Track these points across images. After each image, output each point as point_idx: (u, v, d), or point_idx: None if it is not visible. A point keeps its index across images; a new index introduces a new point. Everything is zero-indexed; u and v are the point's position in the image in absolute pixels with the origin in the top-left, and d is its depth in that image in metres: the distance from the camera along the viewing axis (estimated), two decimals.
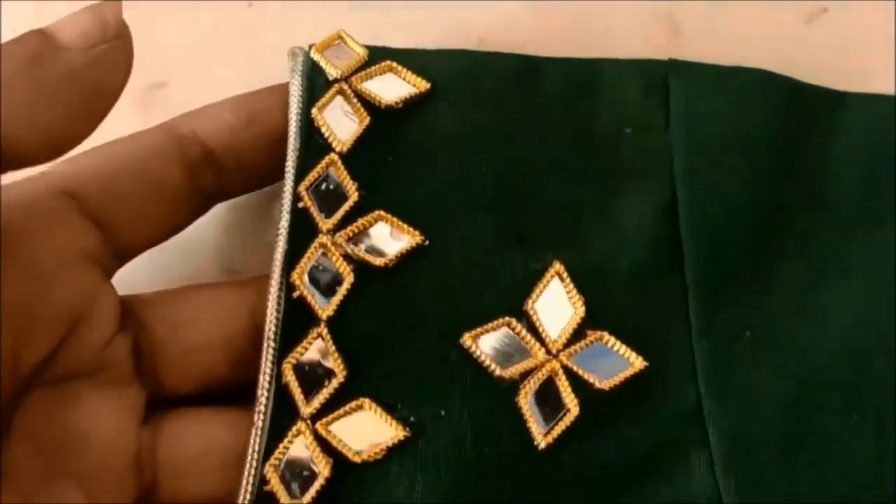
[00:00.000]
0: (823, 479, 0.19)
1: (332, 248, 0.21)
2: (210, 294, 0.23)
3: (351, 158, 0.22)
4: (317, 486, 0.19)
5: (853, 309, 0.21)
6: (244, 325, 0.23)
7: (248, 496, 0.20)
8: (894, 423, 0.19)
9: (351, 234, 0.22)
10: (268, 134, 0.23)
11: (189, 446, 0.22)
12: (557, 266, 0.21)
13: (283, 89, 0.23)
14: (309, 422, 0.20)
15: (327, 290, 0.21)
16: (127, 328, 0.22)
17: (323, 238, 0.22)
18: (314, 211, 0.22)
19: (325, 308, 0.21)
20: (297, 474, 0.20)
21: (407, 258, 0.21)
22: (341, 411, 0.20)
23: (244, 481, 0.20)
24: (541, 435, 0.20)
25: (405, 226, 0.22)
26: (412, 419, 0.20)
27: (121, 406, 0.22)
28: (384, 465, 0.20)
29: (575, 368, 0.20)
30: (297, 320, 0.21)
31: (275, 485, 0.20)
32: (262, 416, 0.20)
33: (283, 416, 0.20)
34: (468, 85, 0.24)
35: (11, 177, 0.21)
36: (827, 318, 0.21)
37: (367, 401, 0.20)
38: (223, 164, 0.23)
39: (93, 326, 0.21)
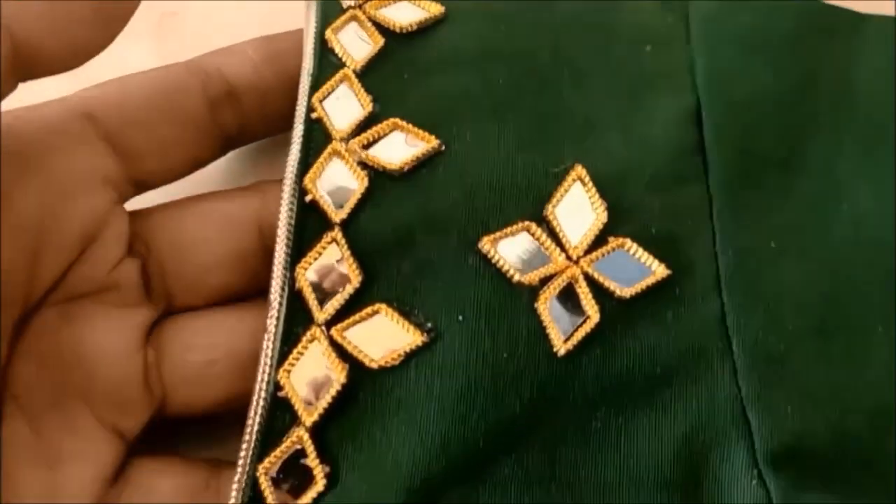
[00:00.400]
0: (854, 379, 0.19)
1: (346, 155, 0.21)
2: (215, 206, 0.23)
3: (365, 75, 0.22)
4: (332, 391, 0.19)
5: (879, 216, 0.20)
6: (251, 237, 0.23)
7: (261, 402, 0.19)
8: None
9: (365, 142, 0.21)
10: (290, 75, 0.23)
11: (196, 356, 0.22)
12: (579, 170, 0.20)
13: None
14: (324, 328, 0.20)
15: (340, 195, 0.21)
16: (135, 250, 0.22)
17: (336, 145, 0.21)
18: (327, 121, 0.21)
19: (338, 212, 0.20)
20: (313, 383, 0.19)
21: (423, 163, 0.21)
22: (357, 317, 0.20)
23: (257, 387, 0.19)
24: (560, 342, 0.19)
25: (421, 132, 0.21)
26: (429, 325, 0.19)
27: (128, 327, 0.22)
28: (400, 371, 0.19)
29: (595, 275, 0.20)
30: (311, 225, 0.20)
31: (289, 390, 0.19)
32: (275, 322, 0.20)
33: (297, 323, 0.20)
34: (481, 8, 0.23)
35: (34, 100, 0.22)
36: (853, 225, 0.20)
37: (383, 306, 0.20)
38: (245, 102, 0.23)
39: (103, 248, 0.21)
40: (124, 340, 0.21)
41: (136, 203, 0.23)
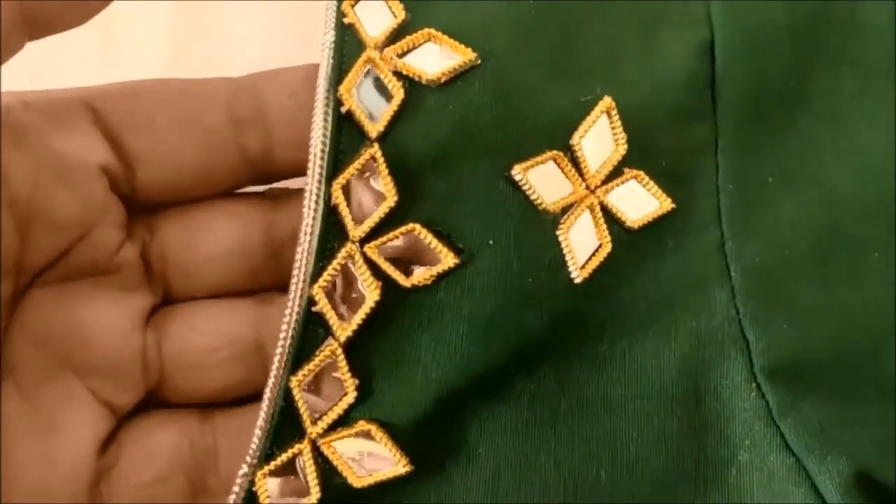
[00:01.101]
0: (850, 300, 0.21)
1: (381, 63, 0.20)
2: (226, 204, 0.23)
3: None
4: (366, 308, 0.19)
5: (877, 150, 0.22)
6: (257, 236, 0.22)
7: (295, 316, 0.19)
8: None
9: (399, 51, 0.20)
10: None
11: (198, 341, 0.22)
12: (608, 101, 0.21)
13: None
14: (358, 244, 0.20)
15: (376, 106, 0.20)
16: (137, 236, 0.22)
17: (371, 52, 0.20)
18: (360, 27, 0.20)
19: (374, 125, 0.20)
20: (346, 297, 0.20)
21: (460, 76, 0.20)
22: (391, 235, 0.20)
23: (291, 302, 0.19)
24: (577, 269, 0.20)
25: (457, 44, 0.20)
26: (461, 246, 0.20)
27: (127, 308, 0.22)
28: (432, 290, 0.20)
29: (609, 205, 0.21)
30: (346, 139, 0.20)
31: (323, 306, 0.19)
32: (309, 237, 0.20)
33: (332, 239, 0.20)
34: None
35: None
36: (851, 158, 0.22)
37: (417, 226, 0.20)
38: (274, 130, 0.22)
39: (103, 233, 0.21)
40: (122, 320, 0.21)
41: None
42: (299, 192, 0.22)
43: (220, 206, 0.23)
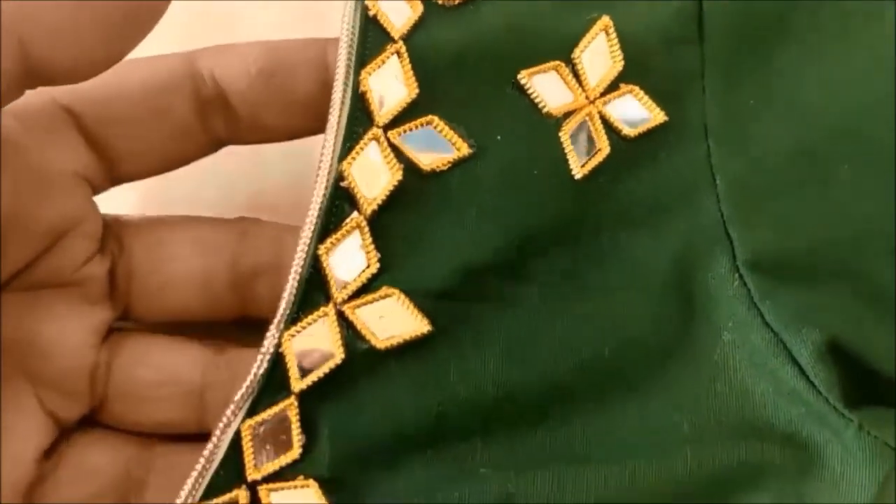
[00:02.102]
0: (826, 207, 0.23)
1: None
2: (194, 229, 0.24)
3: None
4: (389, 186, 0.21)
5: (849, 82, 0.24)
6: (223, 267, 0.23)
7: (324, 191, 0.21)
8: None
9: None
10: (287, 94, 0.23)
11: (145, 373, 0.23)
12: (605, 20, 0.23)
13: (318, 46, 0.23)
14: (382, 130, 0.21)
15: (397, 15, 0.22)
16: (107, 250, 0.23)
17: None
18: None
19: (398, 28, 0.22)
20: (371, 176, 0.21)
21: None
22: (412, 124, 0.22)
23: (321, 176, 0.21)
24: (578, 167, 0.22)
25: None
26: (472, 141, 0.22)
27: (87, 322, 0.22)
28: (446, 177, 0.22)
29: (608, 115, 0.23)
30: (372, 37, 0.22)
31: (351, 182, 0.21)
32: (337, 117, 0.21)
33: (358, 124, 0.21)
34: None
35: None
36: (826, 87, 0.24)
37: (435, 118, 0.22)
38: (236, 112, 0.23)
39: (74, 244, 0.22)
40: (79, 334, 0.22)
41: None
42: (268, 224, 0.24)
43: (191, 233, 0.23)
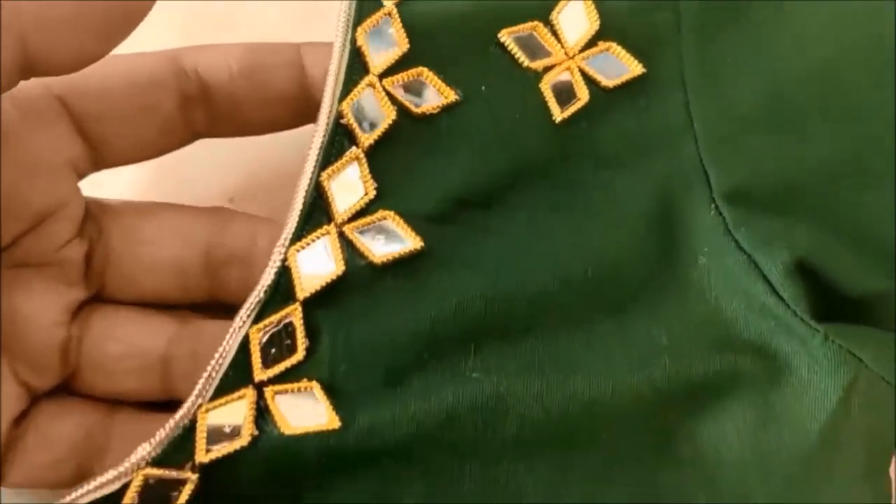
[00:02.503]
0: (795, 147, 0.25)
1: None
2: (172, 216, 0.25)
3: None
4: (384, 126, 0.24)
5: (815, 36, 0.26)
6: (197, 254, 0.25)
7: (325, 127, 0.24)
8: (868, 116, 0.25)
9: None
10: (265, 91, 0.25)
11: (110, 346, 0.24)
12: None
13: (294, 49, 0.25)
14: (377, 78, 0.24)
15: None
16: (86, 233, 0.24)
17: None
18: None
19: None
20: (367, 118, 0.24)
21: None
22: (405, 75, 0.24)
23: (324, 113, 0.24)
24: (558, 112, 0.25)
25: None
26: (459, 90, 0.24)
27: (62, 301, 0.24)
28: (436, 120, 0.24)
29: (587, 69, 0.25)
30: (368, 4, 0.25)
31: (350, 120, 0.24)
32: (337, 65, 0.24)
33: (355, 72, 0.24)
34: None
35: None
36: (794, 41, 0.26)
37: (424, 70, 0.24)
38: (217, 107, 0.25)
39: (57, 226, 0.23)
40: (54, 313, 0.23)
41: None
42: (243, 216, 0.26)
43: (168, 220, 0.25)
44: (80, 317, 0.24)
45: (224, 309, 0.25)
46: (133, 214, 0.25)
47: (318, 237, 0.23)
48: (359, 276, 0.23)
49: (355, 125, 0.24)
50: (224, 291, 0.26)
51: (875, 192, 0.24)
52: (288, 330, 0.23)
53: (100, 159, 0.24)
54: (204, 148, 0.27)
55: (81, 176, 0.24)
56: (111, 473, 0.22)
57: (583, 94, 0.25)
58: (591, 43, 0.26)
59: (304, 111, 0.25)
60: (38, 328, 0.23)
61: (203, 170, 0.30)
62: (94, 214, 0.25)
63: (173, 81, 0.24)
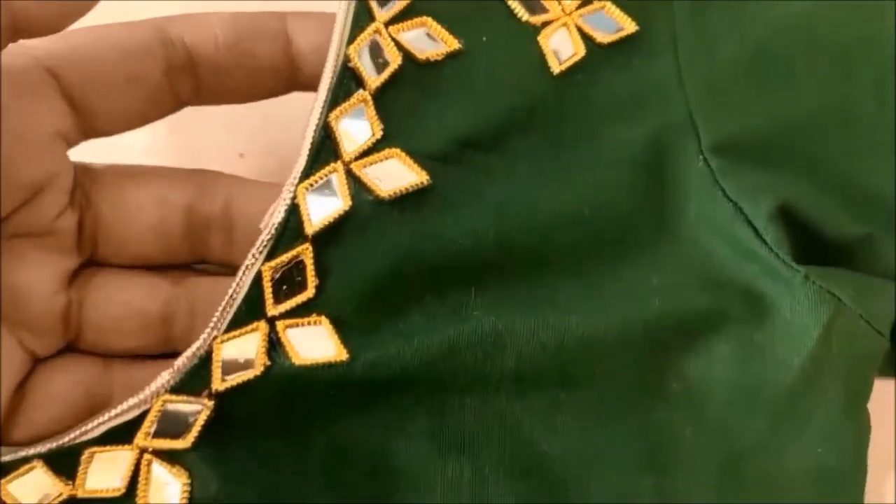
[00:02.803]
0: (782, 97, 0.26)
1: None
2: (155, 181, 0.26)
3: None
4: (390, 70, 0.24)
5: (803, 11, 0.27)
6: (178, 218, 0.25)
7: (332, 68, 0.24)
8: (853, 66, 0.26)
9: None
10: (250, 61, 0.25)
11: (111, 308, 0.25)
12: None
13: (280, 19, 0.25)
14: (383, 25, 0.25)
15: None
16: (76, 201, 0.25)
17: None
18: None
19: None
20: (375, 59, 0.25)
21: None
22: (409, 23, 0.25)
23: (332, 58, 0.24)
24: (556, 65, 0.26)
25: None
26: (461, 40, 0.25)
27: (59, 269, 0.24)
28: (440, 66, 0.25)
29: (583, 26, 0.26)
30: None
31: (357, 64, 0.24)
32: (345, 11, 0.25)
33: (362, 20, 0.25)
34: None
35: None
36: (780, 11, 0.27)
37: (429, 19, 0.25)
38: (203, 77, 0.25)
39: (51, 198, 0.24)
40: (52, 281, 0.24)
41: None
42: (224, 178, 0.26)
43: (151, 185, 0.25)
44: (77, 282, 0.25)
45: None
46: (116, 179, 0.25)
47: (325, 175, 0.24)
48: (366, 210, 0.24)
49: (362, 69, 0.24)
50: (207, 252, 0.26)
51: (858, 141, 0.26)
52: (299, 268, 0.23)
53: (88, 129, 0.24)
54: None
55: (70, 146, 0.24)
56: (130, 402, 0.22)
57: (579, 49, 0.26)
58: (586, 1, 0.27)
59: (289, 80, 0.26)
60: (37, 297, 0.24)
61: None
62: (81, 181, 0.25)
63: (160, 50, 0.24)
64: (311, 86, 0.25)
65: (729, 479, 0.24)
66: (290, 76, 0.26)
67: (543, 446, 0.24)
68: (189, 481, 0.22)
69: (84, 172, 0.25)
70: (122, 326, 0.25)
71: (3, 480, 0.22)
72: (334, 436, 0.23)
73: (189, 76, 0.25)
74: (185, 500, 0.22)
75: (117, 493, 0.22)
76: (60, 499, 0.22)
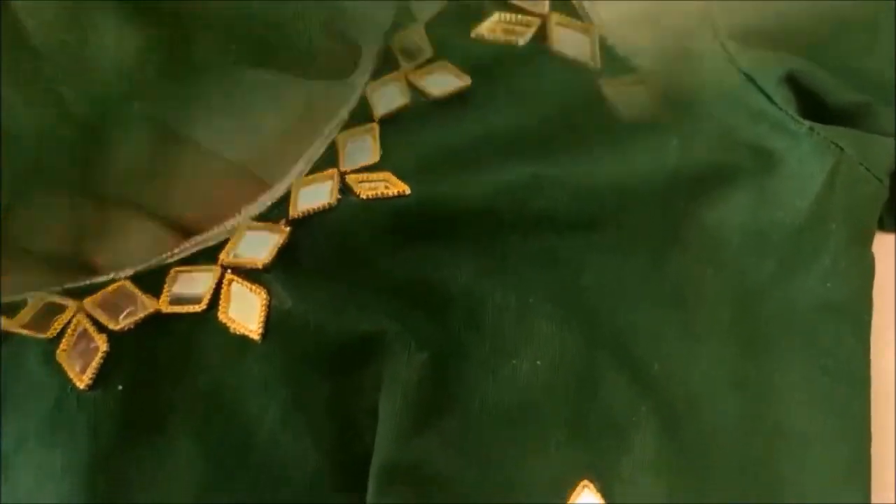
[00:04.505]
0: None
1: None
2: None
3: None
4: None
5: None
6: None
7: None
8: None
9: None
10: None
11: None
12: None
13: None
14: None
15: None
16: None
17: None
18: None
19: None
20: None
21: None
22: None
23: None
24: None
25: None
26: None
27: None
28: None
29: None
30: None
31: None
32: None
33: None
34: None
35: None
36: None
37: None
38: None
39: None
40: None
41: None
42: None
43: None
44: None
45: None
46: None
47: (390, 80, 0.29)
48: (421, 108, 0.29)
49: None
50: None
51: (858, 33, 0.30)
52: (367, 142, 0.28)
53: None
54: None
55: None
56: (214, 231, 0.26)
57: None
58: None
59: None
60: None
61: None
62: None
63: None
64: None
65: (743, 315, 0.26)
66: None
67: (579, 280, 0.26)
68: (267, 297, 0.25)
69: None
70: None
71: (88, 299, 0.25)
72: (392, 267, 0.26)
73: None
74: (264, 312, 0.25)
75: (198, 308, 0.25)
76: (146, 312, 0.25)
